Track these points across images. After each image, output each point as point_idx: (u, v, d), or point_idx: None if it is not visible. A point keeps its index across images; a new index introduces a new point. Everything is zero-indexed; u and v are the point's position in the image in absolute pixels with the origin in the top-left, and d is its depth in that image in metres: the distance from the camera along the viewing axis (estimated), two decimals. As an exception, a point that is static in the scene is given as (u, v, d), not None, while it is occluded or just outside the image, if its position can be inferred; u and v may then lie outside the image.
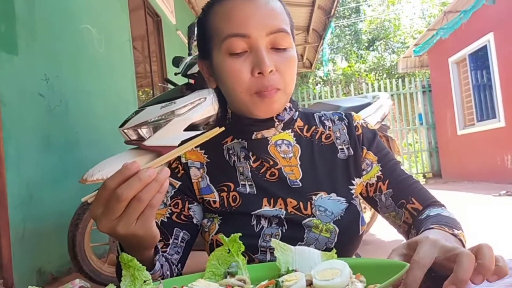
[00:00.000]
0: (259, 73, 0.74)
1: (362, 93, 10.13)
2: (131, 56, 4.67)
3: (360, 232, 0.81)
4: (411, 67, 10.49)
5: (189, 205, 0.84)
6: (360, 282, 0.51)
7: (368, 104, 3.10)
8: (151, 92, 5.76)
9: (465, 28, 7.22)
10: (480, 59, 7.54)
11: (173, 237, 0.81)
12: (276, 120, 0.82)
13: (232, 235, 0.61)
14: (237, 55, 0.75)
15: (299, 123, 0.87)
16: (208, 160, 0.86)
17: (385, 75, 17.36)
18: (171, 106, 2.43)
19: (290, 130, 0.85)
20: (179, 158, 0.87)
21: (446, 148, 9.01)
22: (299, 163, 0.83)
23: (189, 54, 2.80)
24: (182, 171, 0.86)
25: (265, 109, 0.77)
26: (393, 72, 16.87)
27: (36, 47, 2.82)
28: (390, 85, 9.57)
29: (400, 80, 9.74)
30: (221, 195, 0.82)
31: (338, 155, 0.84)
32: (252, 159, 0.83)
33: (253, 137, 0.83)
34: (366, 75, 17.30)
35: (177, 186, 0.85)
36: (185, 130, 2.42)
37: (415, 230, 0.73)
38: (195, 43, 2.89)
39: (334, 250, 0.61)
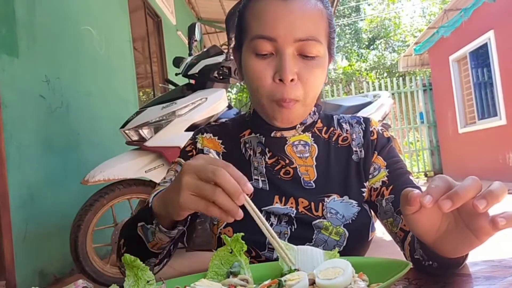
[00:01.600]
0: (279, 80, 0.73)
1: (362, 92, 10.11)
2: (131, 57, 4.67)
3: (370, 238, 0.81)
4: (411, 66, 10.48)
5: None
6: (363, 281, 0.51)
7: (369, 103, 3.10)
8: (152, 93, 5.77)
9: (465, 26, 7.21)
10: (480, 57, 7.53)
11: None
12: (298, 123, 0.82)
13: (235, 234, 0.61)
14: (262, 56, 0.74)
15: (319, 124, 0.87)
16: (225, 151, 0.86)
17: (385, 74, 17.36)
18: (172, 107, 2.43)
19: (309, 132, 0.85)
20: (194, 142, 0.88)
21: (447, 147, 8.99)
22: (315, 163, 0.83)
23: (190, 55, 2.80)
24: None
25: (283, 119, 0.77)
26: (393, 71, 16.86)
27: (36, 49, 2.83)
28: (391, 84, 9.56)
29: (400, 78, 9.73)
30: None
31: (352, 156, 0.84)
32: (268, 155, 0.83)
33: (272, 134, 0.83)
34: (367, 74, 17.29)
35: None
36: (186, 130, 2.42)
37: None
38: (195, 43, 2.90)
39: (337, 249, 0.61)
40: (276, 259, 0.60)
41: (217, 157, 0.59)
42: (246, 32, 0.77)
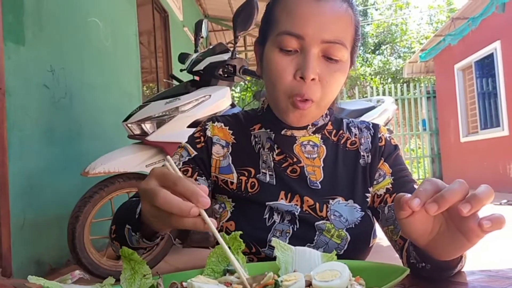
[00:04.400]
0: (300, 77, 0.73)
1: (366, 96, 10.11)
2: (137, 51, 4.67)
3: (370, 245, 0.81)
4: (416, 72, 10.47)
5: (197, 177, 0.83)
6: (359, 284, 0.51)
7: (372, 108, 3.10)
8: (156, 88, 5.77)
9: (472, 35, 7.20)
10: (486, 67, 7.52)
11: None
12: (309, 123, 0.82)
13: (233, 233, 0.61)
14: (287, 52, 0.74)
15: (329, 127, 0.87)
16: (234, 142, 0.86)
17: (390, 80, 17.34)
18: (176, 102, 2.43)
19: (319, 134, 0.85)
20: (204, 129, 0.87)
21: (448, 155, 8.99)
22: (322, 165, 0.83)
23: (196, 51, 2.80)
24: (203, 144, 0.86)
25: (295, 119, 0.78)
26: (398, 77, 16.84)
27: (42, 38, 2.83)
28: (395, 90, 9.55)
29: (405, 85, 9.72)
30: (240, 178, 0.82)
31: (360, 161, 0.84)
32: (277, 151, 0.84)
33: (282, 132, 0.83)
34: (371, 78, 17.27)
35: (192, 155, 0.85)
36: (189, 126, 2.42)
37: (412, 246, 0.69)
38: (201, 40, 2.90)
39: (334, 252, 0.61)
40: (275, 258, 0.60)
41: (176, 164, 0.55)
42: (273, 27, 0.77)
